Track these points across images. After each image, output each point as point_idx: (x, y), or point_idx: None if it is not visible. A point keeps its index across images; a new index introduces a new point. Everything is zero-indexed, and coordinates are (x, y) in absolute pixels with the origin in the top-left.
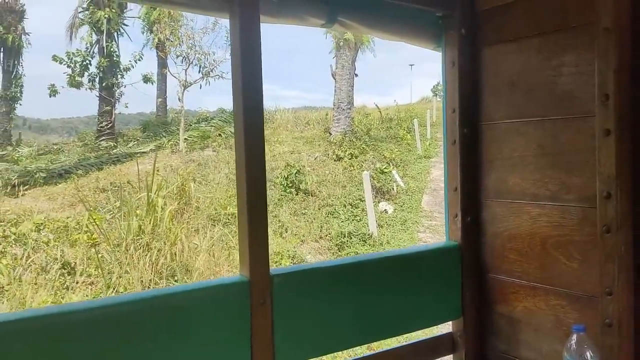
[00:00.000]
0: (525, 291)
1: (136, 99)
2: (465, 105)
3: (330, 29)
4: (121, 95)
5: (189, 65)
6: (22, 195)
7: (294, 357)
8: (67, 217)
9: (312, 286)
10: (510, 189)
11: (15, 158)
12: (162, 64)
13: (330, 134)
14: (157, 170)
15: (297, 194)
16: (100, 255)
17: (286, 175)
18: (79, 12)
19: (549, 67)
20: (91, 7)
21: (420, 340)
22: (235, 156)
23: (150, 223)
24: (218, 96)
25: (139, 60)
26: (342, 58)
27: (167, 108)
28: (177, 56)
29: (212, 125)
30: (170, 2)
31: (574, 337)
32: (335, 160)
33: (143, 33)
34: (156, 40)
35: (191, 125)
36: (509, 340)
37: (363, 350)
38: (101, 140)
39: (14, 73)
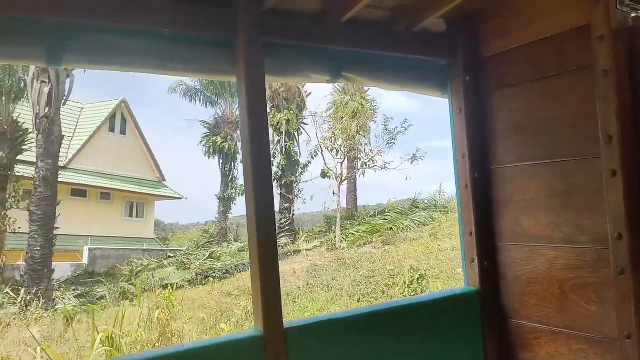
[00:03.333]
0: (547, 336)
1: (318, 194)
2: (475, 150)
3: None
4: (300, 192)
5: (344, 158)
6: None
7: None
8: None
9: (327, 338)
10: (525, 231)
11: (218, 255)
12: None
13: None
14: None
15: None
16: None
17: (408, 282)
18: None
19: (552, 110)
20: (273, 111)
21: None
22: (247, 213)
23: None
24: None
25: (315, 156)
26: None
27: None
28: (331, 149)
29: (385, 218)
30: (179, 70)
31: None
32: None
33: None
34: (326, 135)
35: (364, 219)
36: None
37: None
38: (281, 237)
39: (230, 177)
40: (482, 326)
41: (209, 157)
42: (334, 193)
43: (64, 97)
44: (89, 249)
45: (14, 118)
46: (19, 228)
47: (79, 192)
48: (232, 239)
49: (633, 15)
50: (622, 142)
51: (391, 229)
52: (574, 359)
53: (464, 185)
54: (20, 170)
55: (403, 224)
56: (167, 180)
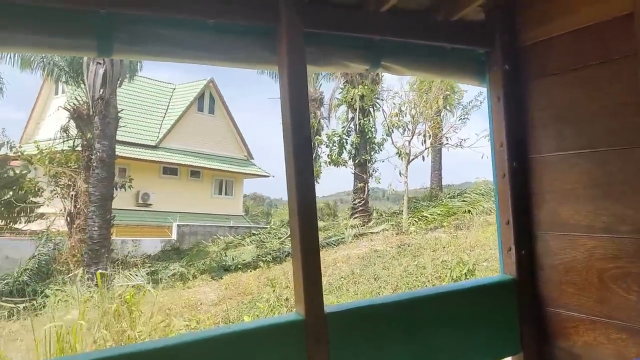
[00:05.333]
0: (585, 325)
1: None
2: (513, 139)
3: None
4: (374, 171)
5: (412, 136)
6: (219, 279)
7: None
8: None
9: (367, 323)
10: (564, 221)
11: None
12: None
13: None
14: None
15: None
16: None
17: (456, 277)
18: (337, 93)
19: (594, 99)
20: (347, 86)
21: None
22: (288, 198)
23: None
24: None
25: (391, 133)
26: None
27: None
28: (397, 127)
29: (464, 200)
30: (222, 60)
31: None
32: None
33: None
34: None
35: (442, 201)
36: None
37: None
38: (354, 218)
39: (314, 154)
40: (519, 314)
41: None
42: (400, 174)
43: (119, 78)
44: (178, 225)
45: None
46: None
47: (170, 170)
48: (320, 216)
49: None
50: None
51: (469, 211)
52: (613, 348)
53: (502, 174)
54: None
55: (482, 206)
56: (254, 158)
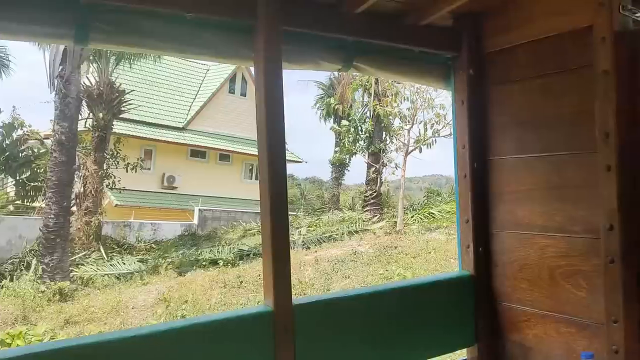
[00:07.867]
0: (536, 319)
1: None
2: (475, 142)
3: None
4: (389, 162)
5: (412, 125)
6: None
7: None
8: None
9: (331, 315)
10: (519, 220)
11: (315, 224)
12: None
13: None
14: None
15: None
16: None
17: None
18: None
19: (552, 107)
20: None
21: None
22: (260, 193)
23: None
24: None
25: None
26: None
27: None
28: (390, 115)
29: None
30: (198, 53)
31: None
32: None
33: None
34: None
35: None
36: None
37: None
38: (365, 211)
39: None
40: (475, 308)
41: (324, 120)
42: (396, 166)
43: (81, 55)
44: (199, 209)
45: (112, 80)
46: (124, 188)
47: (198, 153)
48: (347, 207)
49: (634, 18)
50: (618, 139)
51: None
52: (562, 341)
53: (463, 175)
54: (123, 129)
55: None
56: (287, 143)
